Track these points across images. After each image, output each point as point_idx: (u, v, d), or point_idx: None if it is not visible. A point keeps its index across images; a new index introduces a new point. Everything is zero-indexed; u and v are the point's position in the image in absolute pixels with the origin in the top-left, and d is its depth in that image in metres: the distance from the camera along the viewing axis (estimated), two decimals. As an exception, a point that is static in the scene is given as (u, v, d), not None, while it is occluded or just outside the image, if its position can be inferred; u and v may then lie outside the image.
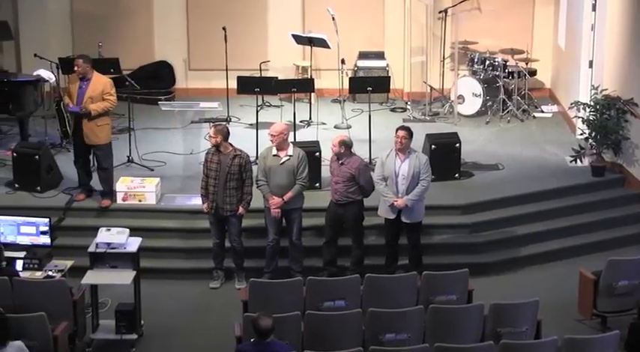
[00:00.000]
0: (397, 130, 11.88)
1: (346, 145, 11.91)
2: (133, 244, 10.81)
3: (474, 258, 12.55)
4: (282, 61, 17.40)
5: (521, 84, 16.79)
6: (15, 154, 13.54)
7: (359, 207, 12.02)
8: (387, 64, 17.32)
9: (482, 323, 9.85)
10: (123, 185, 13.08)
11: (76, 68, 12.65)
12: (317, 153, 13.29)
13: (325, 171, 12.72)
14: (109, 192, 12.99)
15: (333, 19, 16.09)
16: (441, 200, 12.91)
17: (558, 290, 11.81)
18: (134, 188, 13.08)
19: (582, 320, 11.19)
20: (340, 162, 11.88)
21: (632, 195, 13.86)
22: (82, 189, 13.12)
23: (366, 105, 14.82)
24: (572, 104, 14.84)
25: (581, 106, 14.44)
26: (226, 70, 16.16)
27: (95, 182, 13.13)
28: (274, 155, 11.99)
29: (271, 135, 11.95)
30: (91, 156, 13.11)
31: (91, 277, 10.67)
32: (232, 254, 12.20)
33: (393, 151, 11.85)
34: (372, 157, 13.83)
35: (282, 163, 11.93)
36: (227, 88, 16.04)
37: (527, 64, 16.83)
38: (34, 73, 15.26)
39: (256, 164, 12.69)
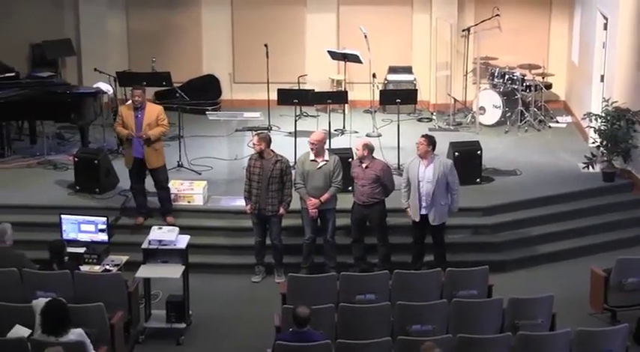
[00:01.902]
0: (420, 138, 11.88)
1: (369, 148, 11.90)
2: (182, 241, 10.85)
3: (494, 256, 12.49)
4: (319, 74, 17.40)
5: (538, 96, 16.68)
6: (76, 159, 13.61)
7: (382, 207, 11.99)
8: (415, 78, 17.27)
9: (501, 315, 9.80)
10: (173, 187, 13.08)
11: (137, 98, 12.36)
12: (350, 159, 13.25)
13: (358, 176, 12.71)
14: (171, 209, 12.85)
15: (365, 36, 16.07)
16: (464, 202, 12.80)
17: (571, 286, 11.73)
18: (183, 190, 13.11)
19: (594, 314, 11.11)
20: (365, 165, 11.86)
21: (640, 199, 13.78)
22: (140, 213, 12.79)
23: (395, 116, 14.80)
24: (584, 115, 14.73)
25: (593, 117, 14.32)
26: (268, 82, 16.17)
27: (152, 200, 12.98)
28: (312, 160, 11.98)
29: (311, 143, 11.93)
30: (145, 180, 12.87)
31: (144, 271, 10.72)
32: (272, 251, 12.21)
33: (416, 158, 11.82)
34: (400, 163, 13.80)
35: (319, 167, 11.92)
36: (268, 100, 16.05)
37: (543, 78, 16.74)
38: (94, 86, 15.35)
39: (294, 169, 12.69)
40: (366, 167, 11.84)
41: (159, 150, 12.63)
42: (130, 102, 12.65)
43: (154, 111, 12.56)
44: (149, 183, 12.86)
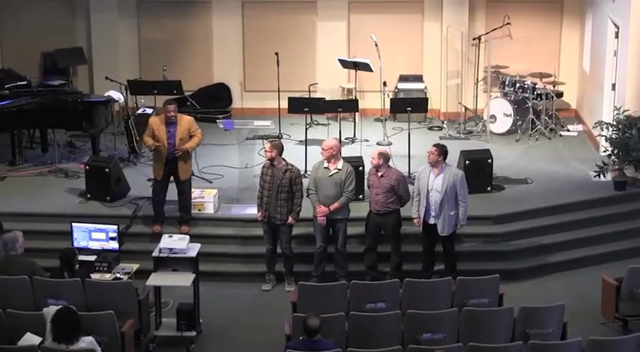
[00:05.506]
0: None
1: (385, 157, 11.90)
2: (193, 249, 10.85)
3: (505, 264, 12.45)
4: (330, 83, 17.42)
5: (549, 105, 16.65)
6: (87, 167, 13.64)
7: (397, 216, 11.98)
8: (425, 86, 17.27)
9: (512, 324, 9.77)
10: (184, 196, 13.11)
11: (171, 114, 12.40)
12: (360, 168, 13.25)
13: (368, 184, 12.71)
14: (189, 219, 12.86)
15: (376, 45, 16.07)
16: (475, 211, 12.79)
17: (583, 295, 11.69)
18: (194, 198, 13.08)
19: (605, 323, 11.07)
20: (380, 174, 11.85)
21: (652, 207, 13.72)
22: (157, 221, 12.77)
23: (406, 124, 14.79)
24: (596, 123, 14.69)
25: (605, 126, 14.29)
26: (278, 91, 16.17)
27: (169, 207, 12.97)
28: (325, 167, 11.98)
29: (322, 148, 11.97)
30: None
31: (155, 279, 10.72)
32: (283, 259, 12.20)
33: (427, 166, 11.81)
34: (411, 172, 13.78)
35: (330, 175, 11.92)
36: (279, 108, 16.05)
37: (554, 86, 16.71)
38: (105, 94, 15.39)
39: (306, 177, 12.68)
40: (382, 176, 11.83)
41: (188, 162, 12.68)
42: (161, 114, 12.59)
43: (185, 124, 12.57)
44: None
